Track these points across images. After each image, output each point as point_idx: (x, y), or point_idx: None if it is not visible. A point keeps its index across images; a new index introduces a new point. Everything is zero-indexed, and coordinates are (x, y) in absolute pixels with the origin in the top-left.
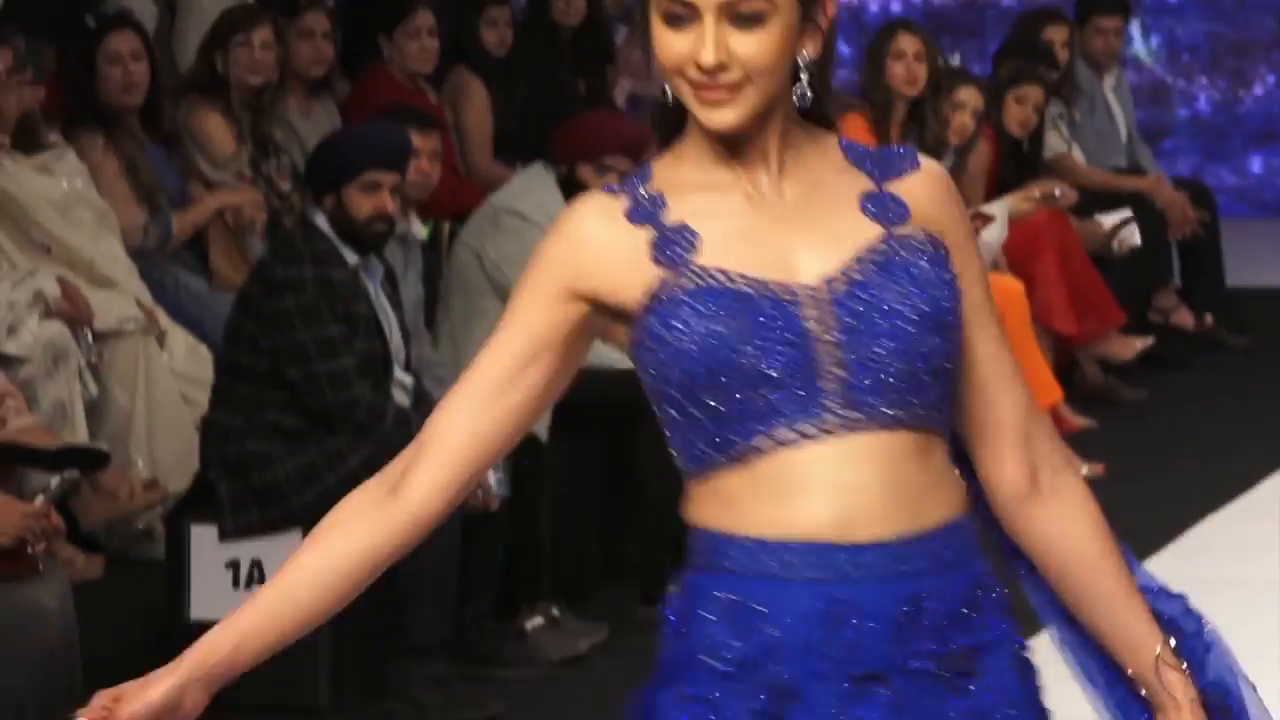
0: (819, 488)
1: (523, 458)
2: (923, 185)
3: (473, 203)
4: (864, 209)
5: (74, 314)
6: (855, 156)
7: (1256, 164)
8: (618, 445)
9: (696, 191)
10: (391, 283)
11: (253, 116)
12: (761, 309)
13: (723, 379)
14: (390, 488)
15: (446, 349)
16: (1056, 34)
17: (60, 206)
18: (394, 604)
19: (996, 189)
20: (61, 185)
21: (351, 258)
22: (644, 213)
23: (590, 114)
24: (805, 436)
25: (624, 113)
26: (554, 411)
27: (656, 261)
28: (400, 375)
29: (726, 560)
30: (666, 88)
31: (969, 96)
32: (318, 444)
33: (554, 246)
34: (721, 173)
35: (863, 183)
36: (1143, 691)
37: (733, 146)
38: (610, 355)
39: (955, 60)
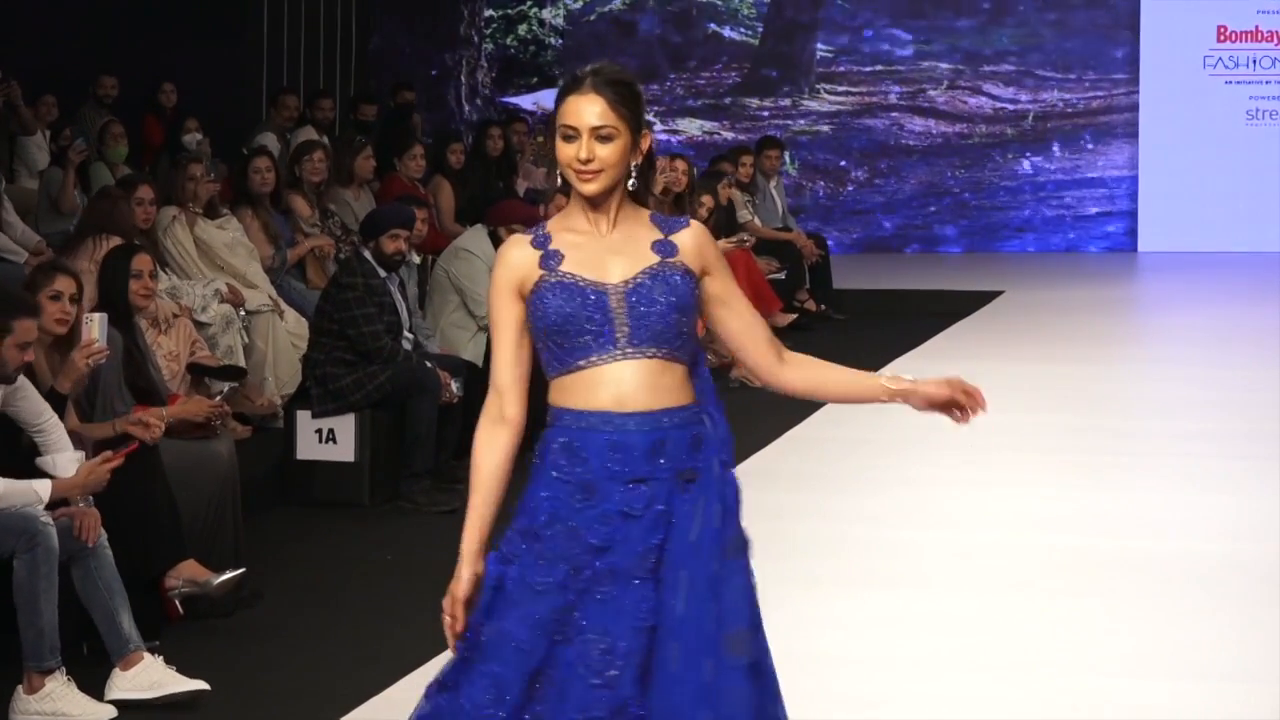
0: (606, 384)
1: (468, 375)
2: (689, 235)
3: (444, 245)
4: (652, 248)
5: (235, 301)
6: (656, 220)
7: (853, 226)
8: None
9: (567, 233)
10: (402, 287)
11: (317, 198)
12: (587, 294)
13: (566, 326)
14: (499, 419)
15: (430, 319)
16: (746, 158)
17: (229, 246)
18: (403, 451)
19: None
20: (229, 235)
21: (382, 273)
22: (539, 242)
23: (504, 201)
24: (602, 360)
25: (522, 199)
26: (485, 351)
27: (541, 267)
28: (406, 334)
29: (563, 421)
30: (560, 177)
31: (706, 199)
32: (362, 369)
33: (498, 272)
34: (582, 223)
35: (656, 234)
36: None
37: (592, 207)
38: None
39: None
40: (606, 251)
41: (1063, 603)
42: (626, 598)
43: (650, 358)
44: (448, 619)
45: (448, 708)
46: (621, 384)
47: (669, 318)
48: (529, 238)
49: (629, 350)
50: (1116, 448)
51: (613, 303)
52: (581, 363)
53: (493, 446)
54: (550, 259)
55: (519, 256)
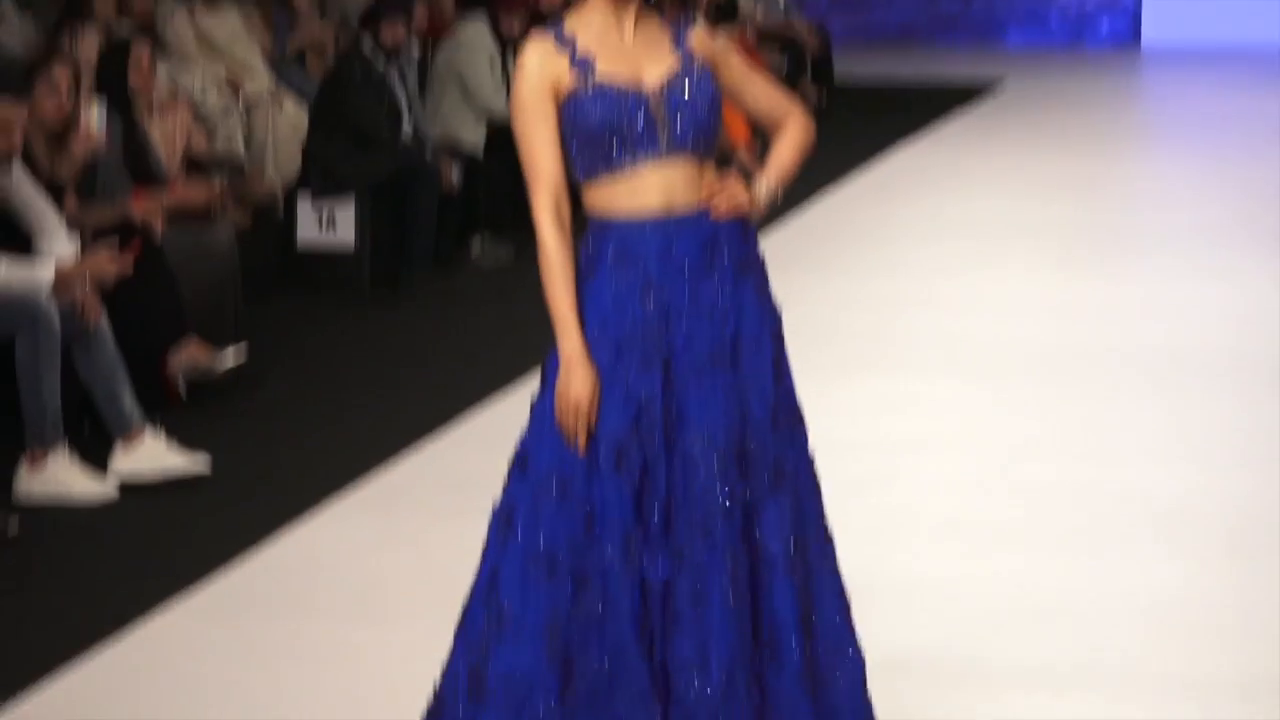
0: (654, 187)
1: (469, 164)
2: (696, 36)
3: (444, 30)
4: (672, 49)
5: (234, 83)
6: (665, 24)
7: (856, 14)
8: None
9: (590, 35)
10: (402, 77)
11: None
12: (629, 99)
13: (610, 132)
14: (562, 220)
15: (430, 109)
16: None
17: (230, 35)
18: (404, 240)
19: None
20: (229, 25)
21: (381, 63)
22: (565, 45)
23: None
24: (647, 164)
25: None
26: (486, 140)
27: (574, 72)
28: (405, 123)
29: (612, 227)
30: None
31: None
32: (361, 155)
33: (528, 75)
34: (602, 26)
35: (669, 36)
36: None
37: (615, 10)
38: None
39: None
40: (633, 54)
41: (1056, 388)
42: (716, 389)
43: (690, 158)
44: (576, 421)
45: (574, 504)
46: (668, 186)
47: (706, 115)
48: (551, 40)
49: (671, 152)
50: (1114, 239)
51: (653, 105)
52: (626, 167)
53: (566, 246)
54: (582, 65)
55: (547, 60)
